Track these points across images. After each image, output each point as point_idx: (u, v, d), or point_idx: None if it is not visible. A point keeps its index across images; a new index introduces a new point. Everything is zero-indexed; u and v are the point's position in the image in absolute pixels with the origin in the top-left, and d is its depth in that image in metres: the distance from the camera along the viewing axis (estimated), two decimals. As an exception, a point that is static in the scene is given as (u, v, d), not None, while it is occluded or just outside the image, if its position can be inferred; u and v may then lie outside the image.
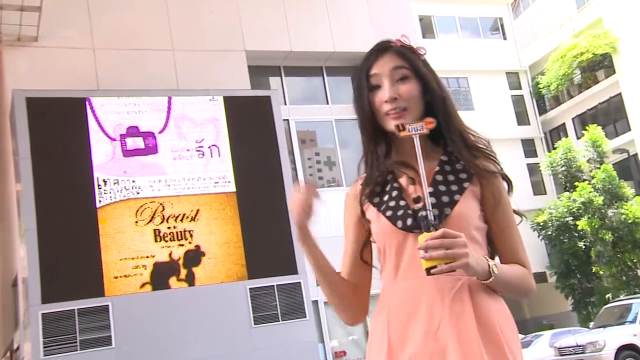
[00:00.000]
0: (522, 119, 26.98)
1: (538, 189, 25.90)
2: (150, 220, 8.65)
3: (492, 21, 28.09)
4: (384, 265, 1.70)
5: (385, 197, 1.70)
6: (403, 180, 1.70)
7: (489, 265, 1.55)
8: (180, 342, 8.35)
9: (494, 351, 1.53)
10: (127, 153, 8.81)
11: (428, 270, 1.44)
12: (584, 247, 21.34)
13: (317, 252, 1.74)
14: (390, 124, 1.66)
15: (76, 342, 7.89)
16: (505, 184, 1.72)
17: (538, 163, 25.19)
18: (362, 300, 1.79)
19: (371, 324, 1.70)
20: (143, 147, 8.91)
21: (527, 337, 17.82)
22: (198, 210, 8.91)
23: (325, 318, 10.92)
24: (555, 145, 24.04)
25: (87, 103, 8.76)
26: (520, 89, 27.49)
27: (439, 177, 1.67)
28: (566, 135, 25.65)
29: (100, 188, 8.50)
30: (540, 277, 22.96)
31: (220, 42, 10.58)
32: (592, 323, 16.09)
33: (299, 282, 9.02)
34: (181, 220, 8.81)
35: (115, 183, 8.60)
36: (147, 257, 8.51)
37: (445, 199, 1.63)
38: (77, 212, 8.38)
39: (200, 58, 10.18)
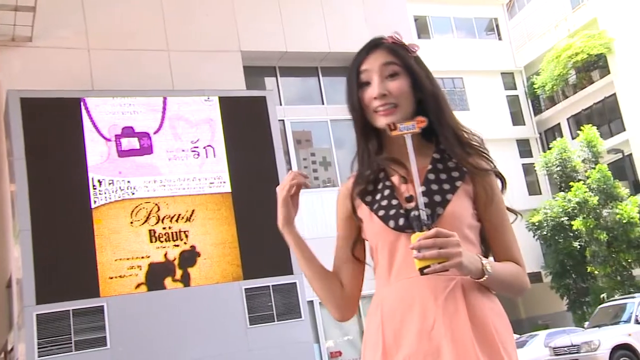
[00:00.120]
0: (517, 119, 27.04)
1: (533, 189, 25.95)
2: (146, 221, 8.64)
3: (487, 21, 28.14)
4: (377, 264, 1.69)
5: (378, 196, 1.69)
6: (395, 179, 1.69)
7: (482, 264, 1.55)
8: (176, 342, 8.34)
9: (488, 350, 1.52)
10: (122, 153, 8.79)
11: (421, 270, 1.44)
12: (579, 247, 21.39)
13: (300, 241, 1.72)
14: (380, 121, 1.66)
15: (71, 343, 7.87)
16: (498, 182, 1.72)
17: (533, 163, 25.23)
18: (351, 296, 1.77)
19: (365, 323, 1.70)
20: (138, 147, 8.90)
21: (522, 337, 17.85)
22: (193, 210, 8.90)
23: (321, 318, 10.92)
24: (550, 146, 24.09)
25: (81, 103, 8.74)
26: (516, 89, 27.55)
27: (431, 176, 1.66)
28: (561, 136, 25.70)
29: (95, 188, 8.48)
30: (535, 277, 23.02)
31: (216, 43, 10.57)
32: (587, 323, 16.12)
33: (295, 283, 9.02)
34: (176, 220, 8.79)
35: (110, 183, 8.58)
36: (143, 257, 8.50)
37: (437, 198, 1.62)
38: (72, 213, 8.36)
39: (195, 58, 10.17)
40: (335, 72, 11.97)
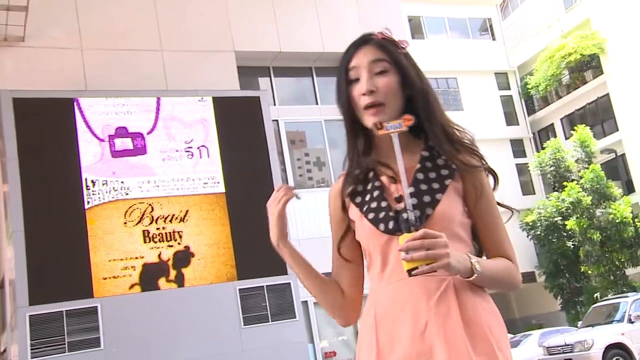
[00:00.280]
0: (510, 119, 27.09)
1: (527, 189, 26.01)
2: (139, 221, 8.61)
3: (481, 22, 28.18)
4: (371, 265, 1.69)
5: (367, 197, 1.68)
6: (385, 179, 1.68)
7: (471, 262, 1.53)
8: (170, 343, 8.32)
9: (481, 350, 1.52)
10: (116, 154, 8.77)
11: (409, 272, 1.43)
12: (572, 246, 21.46)
13: (296, 254, 1.72)
14: (368, 120, 1.64)
15: (64, 344, 7.85)
16: (491, 178, 1.71)
17: (527, 163, 25.30)
18: (353, 301, 1.76)
19: (360, 325, 1.69)
20: (132, 147, 8.87)
21: (516, 336, 17.87)
22: (187, 211, 8.89)
23: (315, 318, 10.92)
24: (544, 146, 24.17)
25: (75, 103, 8.71)
26: (509, 89, 27.60)
27: (420, 176, 1.64)
28: (555, 136, 25.78)
29: (88, 189, 8.46)
30: (529, 277, 23.08)
31: (209, 43, 10.56)
32: (580, 322, 16.16)
33: (289, 283, 9.01)
34: (170, 221, 8.77)
35: (103, 184, 8.55)
36: (136, 258, 8.48)
37: (426, 198, 1.60)
38: (66, 213, 8.34)
39: (189, 58, 10.16)
40: (329, 72, 11.97)
